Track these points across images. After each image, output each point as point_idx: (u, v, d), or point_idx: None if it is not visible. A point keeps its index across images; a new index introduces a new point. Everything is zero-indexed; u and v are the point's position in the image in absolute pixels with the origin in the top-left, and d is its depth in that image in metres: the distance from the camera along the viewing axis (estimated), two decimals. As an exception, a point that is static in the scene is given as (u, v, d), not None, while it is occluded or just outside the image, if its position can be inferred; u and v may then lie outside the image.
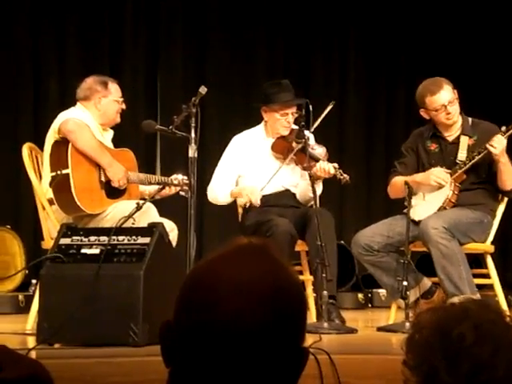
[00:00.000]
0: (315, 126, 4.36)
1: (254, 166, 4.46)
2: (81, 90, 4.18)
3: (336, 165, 4.25)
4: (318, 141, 4.53)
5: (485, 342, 1.15)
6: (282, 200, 4.43)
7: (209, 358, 1.05)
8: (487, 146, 4.02)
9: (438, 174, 4.12)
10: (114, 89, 4.18)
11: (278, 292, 1.06)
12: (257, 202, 4.25)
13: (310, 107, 4.21)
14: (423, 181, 4.14)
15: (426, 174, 4.17)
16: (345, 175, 4.18)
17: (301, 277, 4.39)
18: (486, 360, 1.15)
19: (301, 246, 4.33)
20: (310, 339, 3.13)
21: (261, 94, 4.57)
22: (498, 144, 3.98)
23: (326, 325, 3.75)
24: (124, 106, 4.20)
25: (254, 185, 4.35)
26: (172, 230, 3.89)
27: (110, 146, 4.22)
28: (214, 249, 1.11)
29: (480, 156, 4.09)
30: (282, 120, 4.39)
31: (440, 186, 4.13)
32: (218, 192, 4.44)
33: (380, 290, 5.73)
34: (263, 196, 4.39)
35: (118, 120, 4.21)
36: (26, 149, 4.11)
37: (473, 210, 4.14)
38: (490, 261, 4.18)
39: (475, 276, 4.13)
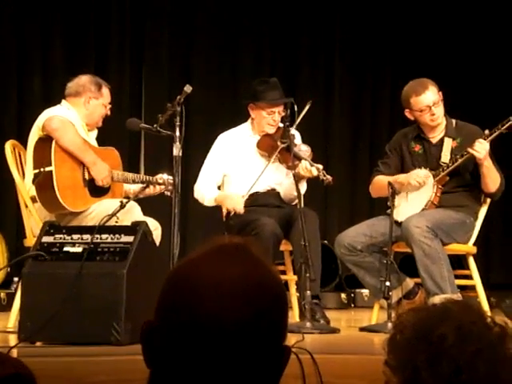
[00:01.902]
0: (295, 126, 4.37)
1: (240, 164, 4.46)
2: (73, 84, 4.15)
3: (320, 166, 4.26)
4: (303, 140, 4.54)
5: (466, 342, 1.16)
6: (267, 199, 4.44)
7: (190, 357, 1.04)
8: (470, 150, 4.03)
9: (419, 173, 4.14)
10: (106, 93, 4.17)
11: (258, 291, 1.06)
12: (240, 211, 4.25)
13: (295, 107, 4.22)
14: (404, 181, 4.16)
15: (408, 174, 4.20)
16: (328, 176, 4.20)
17: (284, 276, 4.39)
18: (467, 361, 1.15)
19: (284, 246, 4.33)
20: (292, 339, 3.13)
21: (248, 91, 4.57)
22: (480, 149, 4.00)
23: (308, 324, 3.76)
24: (109, 113, 4.19)
25: (237, 193, 4.35)
26: (156, 228, 3.88)
27: (95, 144, 4.20)
28: (196, 248, 1.11)
29: (463, 159, 4.10)
30: (269, 118, 4.40)
31: (422, 187, 4.15)
32: (204, 194, 4.44)
33: (363, 290, 5.75)
34: (248, 195, 4.39)
35: (100, 124, 4.21)
36: (8, 146, 4.08)
37: (456, 211, 4.16)
38: (472, 262, 4.20)
39: (457, 277, 4.15)
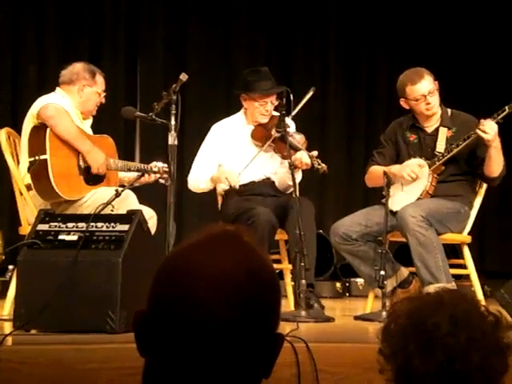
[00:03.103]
0: (295, 112, 4.36)
1: (234, 154, 4.45)
2: (67, 72, 4.14)
3: (315, 153, 4.25)
4: (298, 129, 4.53)
5: (459, 331, 1.16)
6: (263, 189, 4.43)
7: (182, 346, 1.04)
8: (477, 131, 3.99)
9: (412, 167, 4.13)
10: (100, 81, 4.16)
11: (250, 279, 1.05)
12: (235, 185, 4.25)
13: (291, 96, 4.21)
14: (398, 173, 4.16)
15: (402, 166, 4.19)
16: (322, 165, 4.19)
17: (279, 265, 4.40)
18: (461, 349, 1.16)
19: (280, 235, 4.33)
20: (287, 327, 3.14)
21: (241, 81, 4.56)
22: (489, 129, 3.97)
23: (303, 313, 3.76)
24: (104, 101, 4.18)
25: (232, 169, 4.35)
26: (151, 217, 3.88)
27: (90, 132, 4.19)
28: (188, 236, 1.11)
29: (466, 142, 4.08)
30: (261, 108, 4.39)
31: (414, 179, 4.14)
32: (200, 180, 4.44)
33: (358, 279, 5.76)
34: (243, 185, 4.39)
35: (94, 113, 4.19)
36: (3, 133, 4.07)
37: (451, 200, 4.16)
38: (466, 251, 4.21)
39: (452, 266, 4.16)
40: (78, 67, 4.15)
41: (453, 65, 6.55)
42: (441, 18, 6.68)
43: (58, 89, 4.16)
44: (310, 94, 4.28)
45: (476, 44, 6.66)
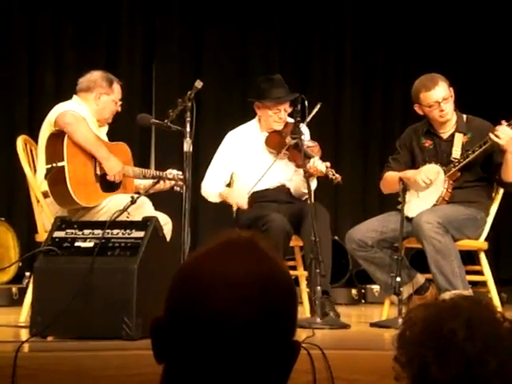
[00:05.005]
0: (305, 123, 4.35)
1: (249, 162, 4.46)
2: (85, 79, 4.17)
3: (328, 164, 4.24)
4: (313, 136, 4.53)
5: (476, 337, 1.16)
6: (278, 195, 4.43)
7: (199, 353, 1.05)
8: (491, 136, 3.98)
9: (427, 173, 4.11)
10: (117, 90, 4.18)
11: (267, 285, 1.05)
12: (243, 206, 4.26)
13: (306, 103, 4.21)
14: (412, 177, 4.15)
15: (417, 171, 4.18)
16: (337, 175, 4.18)
17: (295, 272, 4.40)
18: (477, 356, 1.15)
19: (295, 241, 4.33)
20: (303, 334, 3.14)
21: (255, 88, 4.57)
22: (503, 134, 3.96)
23: (319, 320, 3.76)
24: (119, 109, 4.19)
25: (241, 188, 4.35)
26: (166, 223, 3.89)
27: (105, 139, 4.21)
28: (205, 243, 1.11)
29: (481, 150, 4.06)
30: (275, 116, 4.40)
31: (432, 184, 4.13)
32: (210, 190, 4.46)
33: (373, 286, 5.74)
34: (258, 192, 4.39)
35: (110, 120, 4.22)
36: (20, 141, 4.10)
37: (467, 206, 4.15)
38: (483, 258, 4.19)
39: (469, 273, 4.14)
40: (95, 75, 4.18)
41: (468, 70, 6.53)
42: (457, 23, 6.66)
43: (74, 96, 4.18)
44: (317, 108, 4.27)
45: (493, 49, 6.63)
